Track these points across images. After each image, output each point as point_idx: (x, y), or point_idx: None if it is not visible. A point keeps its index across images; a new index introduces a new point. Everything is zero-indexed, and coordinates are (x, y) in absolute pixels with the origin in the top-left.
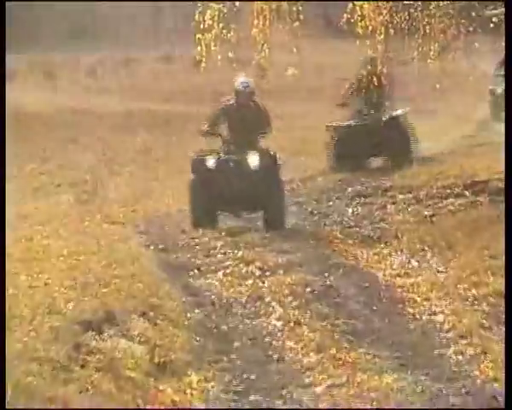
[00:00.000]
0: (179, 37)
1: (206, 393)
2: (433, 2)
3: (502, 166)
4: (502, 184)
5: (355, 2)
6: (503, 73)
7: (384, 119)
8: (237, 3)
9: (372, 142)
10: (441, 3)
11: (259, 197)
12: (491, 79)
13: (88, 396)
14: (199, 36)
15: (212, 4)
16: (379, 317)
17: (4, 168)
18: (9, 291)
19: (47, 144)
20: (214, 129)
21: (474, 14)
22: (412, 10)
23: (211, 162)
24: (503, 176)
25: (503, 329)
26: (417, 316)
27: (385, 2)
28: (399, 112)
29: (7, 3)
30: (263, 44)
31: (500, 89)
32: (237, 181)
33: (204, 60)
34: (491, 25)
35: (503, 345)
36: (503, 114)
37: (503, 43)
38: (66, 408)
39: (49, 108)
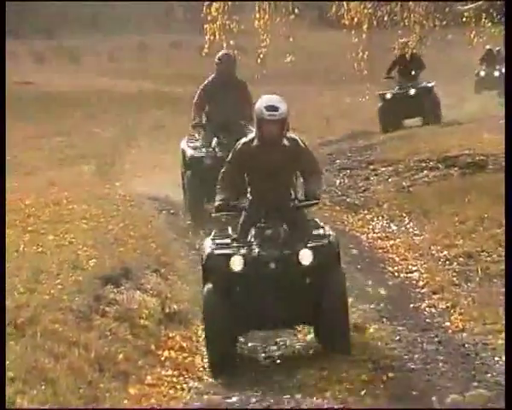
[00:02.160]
0: (188, 26)
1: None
2: None
3: (470, 143)
4: (470, 159)
5: None
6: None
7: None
8: None
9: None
10: None
11: None
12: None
13: (107, 342)
14: (206, 26)
15: None
16: (362, 274)
17: (4, 168)
18: (38, 249)
19: (72, 121)
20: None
21: (447, 9)
22: (393, 5)
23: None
24: (471, 151)
25: (471, 285)
26: (396, 274)
27: None
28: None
29: None
30: (264, 34)
31: (483, 72)
32: None
33: (209, 46)
34: (463, 19)
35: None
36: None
37: (472, 36)
38: (67, 408)
39: (73, 89)
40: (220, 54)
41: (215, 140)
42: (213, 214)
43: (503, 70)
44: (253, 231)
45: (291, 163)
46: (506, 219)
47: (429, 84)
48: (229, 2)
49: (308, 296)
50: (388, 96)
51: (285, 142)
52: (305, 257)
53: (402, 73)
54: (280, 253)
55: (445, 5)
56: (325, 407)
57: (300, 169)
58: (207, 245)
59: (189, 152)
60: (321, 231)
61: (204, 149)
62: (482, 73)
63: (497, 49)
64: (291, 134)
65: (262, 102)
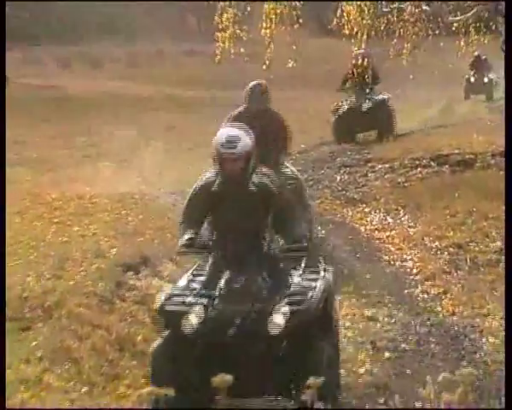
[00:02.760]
0: (200, 35)
1: None
2: (407, 10)
3: (460, 143)
4: (460, 157)
5: (343, 8)
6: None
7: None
8: (248, 8)
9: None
10: (414, 10)
11: None
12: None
13: (127, 324)
14: (217, 34)
15: (229, 9)
16: (361, 263)
17: (4, 168)
18: (64, 239)
19: (93, 121)
20: None
21: (439, 19)
22: (390, 16)
23: None
24: (461, 151)
25: (461, 273)
26: (391, 262)
27: (367, 9)
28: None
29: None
30: (269, 42)
31: (472, 78)
32: None
33: (221, 53)
34: (453, 29)
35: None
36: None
37: (462, 43)
38: (74, 408)
39: (94, 92)
40: (251, 84)
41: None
42: (178, 251)
43: (491, 76)
44: (222, 281)
45: (260, 205)
46: (506, 218)
47: (384, 97)
48: (239, 12)
49: (280, 370)
50: (343, 109)
51: (254, 179)
52: (275, 325)
53: (356, 86)
54: (247, 313)
55: (437, 16)
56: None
57: (272, 214)
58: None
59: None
60: (306, 283)
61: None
62: (471, 79)
63: (484, 57)
64: (264, 170)
65: (220, 136)
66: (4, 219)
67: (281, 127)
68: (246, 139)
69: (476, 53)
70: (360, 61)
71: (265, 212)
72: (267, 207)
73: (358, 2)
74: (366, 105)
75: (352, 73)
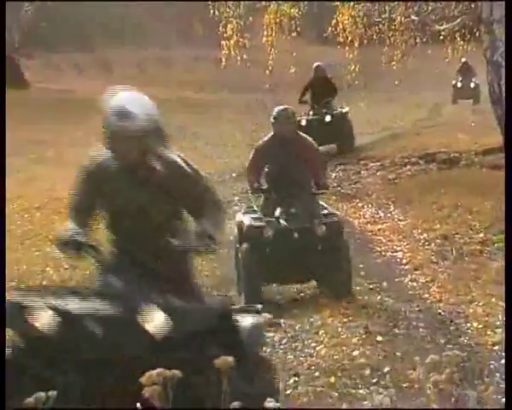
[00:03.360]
0: (206, 42)
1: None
2: (397, 19)
3: (446, 143)
4: (446, 156)
5: (338, 18)
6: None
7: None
8: (250, 18)
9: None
10: (403, 20)
11: None
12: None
13: None
14: (223, 42)
15: (232, 19)
16: (355, 253)
17: (4, 168)
18: None
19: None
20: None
21: (427, 28)
22: (381, 25)
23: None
24: (447, 149)
25: (447, 263)
26: (383, 253)
27: (360, 18)
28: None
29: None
30: (271, 49)
31: (459, 83)
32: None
33: (226, 60)
34: (440, 37)
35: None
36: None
37: (449, 50)
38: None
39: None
40: (276, 111)
41: (279, 210)
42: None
43: (477, 82)
44: (277, 211)
45: (164, 198)
46: (506, 217)
47: (344, 110)
48: (242, 22)
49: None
50: (303, 122)
51: (155, 166)
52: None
53: (315, 98)
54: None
55: (424, 25)
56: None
57: (182, 207)
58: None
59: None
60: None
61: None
62: (459, 84)
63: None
64: (170, 153)
65: (110, 102)
66: (4, 218)
67: (313, 152)
68: (145, 109)
69: (463, 59)
70: (318, 74)
71: (172, 204)
72: (175, 195)
73: (352, 13)
74: (328, 118)
75: (311, 85)
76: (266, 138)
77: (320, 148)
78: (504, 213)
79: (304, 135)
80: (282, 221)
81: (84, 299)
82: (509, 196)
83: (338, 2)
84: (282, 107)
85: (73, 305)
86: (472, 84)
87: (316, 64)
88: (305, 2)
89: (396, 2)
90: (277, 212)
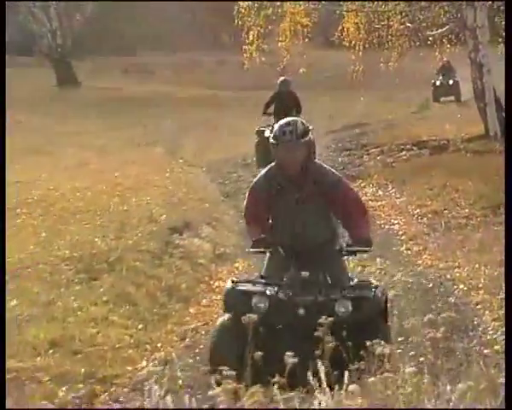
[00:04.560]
0: (230, 47)
1: (248, 271)
2: (394, 25)
3: (435, 132)
4: (436, 143)
5: (343, 25)
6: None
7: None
8: (269, 27)
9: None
10: (399, 27)
11: None
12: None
13: (173, 275)
14: (245, 47)
15: (253, 27)
16: None
17: (4, 168)
18: (124, 208)
19: (146, 116)
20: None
21: (420, 34)
22: (380, 31)
23: None
24: (437, 138)
25: (437, 234)
26: (382, 226)
27: (362, 25)
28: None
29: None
30: (285, 53)
31: (438, 82)
32: None
33: (248, 62)
34: (430, 41)
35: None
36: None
37: (437, 53)
38: (68, 409)
39: (148, 93)
40: (278, 127)
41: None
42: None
43: (456, 79)
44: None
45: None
46: (506, 217)
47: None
48: (262, 30)
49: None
50: (267, 133)
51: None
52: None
53: (278, 111)
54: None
55: (417, 31)
56: None
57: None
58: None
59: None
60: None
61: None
62: (438, 83)
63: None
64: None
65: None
66: (4, 217)
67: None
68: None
69: (445, 59)
70: (284, 88)
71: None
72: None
73: (356, 20)
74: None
75: (275, 98)
76: (264, 172)
77: None
78: (504, 215)
79: (324, 166)
80: (282, 290)
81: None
82: (508, 194)
83: (344, 11)
84: (286, 120)
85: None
86: (451, 81)
87: (281, 78)
88: (316, 12)
89: (393, 11)
90: (285, 277)
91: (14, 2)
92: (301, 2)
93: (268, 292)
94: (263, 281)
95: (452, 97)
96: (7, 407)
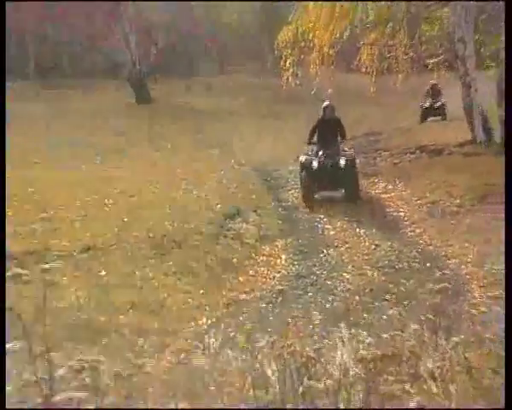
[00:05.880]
0: (274, 73)
1: (285, 249)
2: (400, 55)
3: (433, 138)
4: (434, 147)
5: (361, 56)
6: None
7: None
8: (302, 56)
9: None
10: (404, 57)
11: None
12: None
13: (226, 251)
14: (283, 72)
15: (289, 56)
16: (370, 213)
17: (4, 168)
18: (187, 199)
19: (205, 124)
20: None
21: (421, 62)
22: (389, 59)
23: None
24: (434, 143)
25: (434, 220)
26: (390, 213)
27: (375, 56)
28: (352, 152)
29: None
30: (315, 76)
31: (427, 104)
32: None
33: (286, 84)
34: (428, 67)
35: (453, 253)
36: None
37: (435, 76)
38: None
39: (207, 106)
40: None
41: (321, 152)
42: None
43: (443, 101)
44: (320, 152)
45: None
46: (506, 216)
47: (351, 153)
48: (296, 59)
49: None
50: (315, 164)
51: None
52: (342, 163)
53: (324, 139)
54: (333, 162)
55: (419, 59)
56: None
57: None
58: (302, 158)
59: (303, 158)
60: (348, 152)
61: (314, 157)
62: (426, 105)
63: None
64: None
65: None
66: (4, 218)
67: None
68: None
69: (432, 81)
70: (327, 115)
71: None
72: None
73: (371, 52)
74: (341, 162)
75: (320, 123)
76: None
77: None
78: (505, 217)
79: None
80: (321, 158)
81: (321, 157)
82: (508, 197)
83: (362, 43)
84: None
85: (322, 158)
86: (437, 104)
87: (326, 103)
88: (339, 45)
89: (399, 44)
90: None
91: (101, 35)
92: (327, 36)
93: (316, 160)
94: (313, 156)
95: (439, 117)
96: (7, 406)
